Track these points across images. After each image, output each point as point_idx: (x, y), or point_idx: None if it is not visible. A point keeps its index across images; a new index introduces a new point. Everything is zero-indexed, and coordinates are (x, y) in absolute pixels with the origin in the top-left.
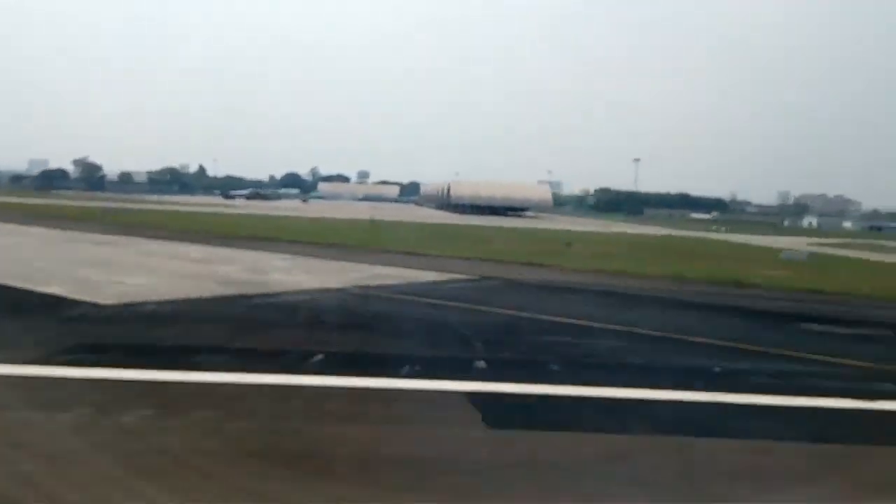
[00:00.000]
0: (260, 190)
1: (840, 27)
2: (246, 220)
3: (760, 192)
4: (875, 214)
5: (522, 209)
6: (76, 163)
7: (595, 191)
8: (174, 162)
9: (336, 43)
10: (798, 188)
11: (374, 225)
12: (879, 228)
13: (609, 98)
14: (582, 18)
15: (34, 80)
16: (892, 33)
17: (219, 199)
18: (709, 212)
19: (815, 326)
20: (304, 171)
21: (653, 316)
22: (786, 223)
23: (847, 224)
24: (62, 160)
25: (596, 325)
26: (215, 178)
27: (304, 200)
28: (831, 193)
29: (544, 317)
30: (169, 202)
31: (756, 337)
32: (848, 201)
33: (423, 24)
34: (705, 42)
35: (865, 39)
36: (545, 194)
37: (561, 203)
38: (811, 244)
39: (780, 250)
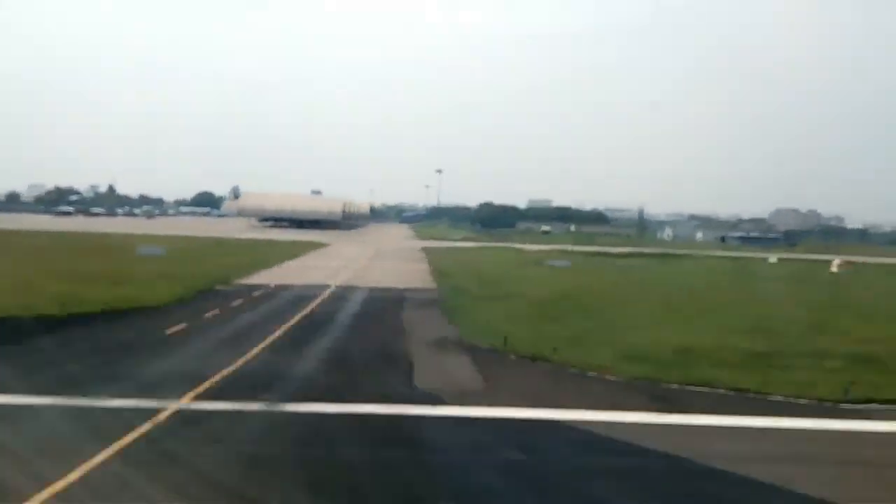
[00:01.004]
0: (92, 208)
1: None
2: None
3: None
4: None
5: (314, 221)
6: None
7: (479, 205)
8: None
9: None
10: (782, 203)
11: None
12: (723, 239)
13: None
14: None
15: None
16: None
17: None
18: (568, 225)
19: None
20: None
21: None
22: (659, 235)
23: (699, 236)
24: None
25: None
26: (126, 198)
27: (149, 217)
28: (804, 209)
29: None
30: None
31: None
32: (820, 216)
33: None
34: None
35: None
36: (335, 207)
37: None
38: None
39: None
